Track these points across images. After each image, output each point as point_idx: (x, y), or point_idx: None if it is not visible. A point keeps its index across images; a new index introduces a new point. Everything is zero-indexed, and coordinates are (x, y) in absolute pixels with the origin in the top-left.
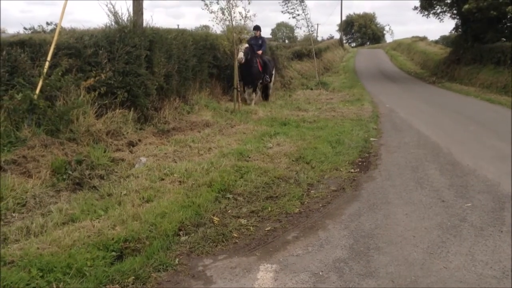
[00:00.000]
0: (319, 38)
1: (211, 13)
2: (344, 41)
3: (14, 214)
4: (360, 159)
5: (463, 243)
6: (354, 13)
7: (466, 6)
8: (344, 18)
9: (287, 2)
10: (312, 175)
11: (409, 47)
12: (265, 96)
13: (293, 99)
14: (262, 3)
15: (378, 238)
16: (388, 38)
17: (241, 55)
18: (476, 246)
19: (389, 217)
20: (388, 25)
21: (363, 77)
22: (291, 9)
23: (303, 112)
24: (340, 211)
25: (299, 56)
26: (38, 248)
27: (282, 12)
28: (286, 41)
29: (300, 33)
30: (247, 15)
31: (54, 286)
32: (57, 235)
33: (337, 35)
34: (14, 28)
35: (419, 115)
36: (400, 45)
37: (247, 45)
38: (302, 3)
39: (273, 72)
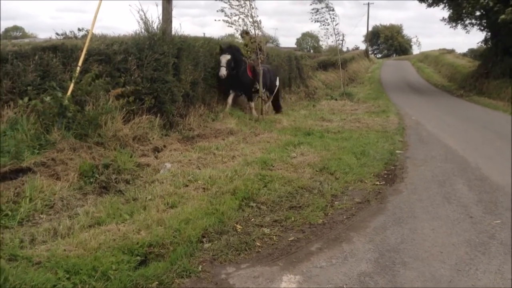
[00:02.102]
0: (345, 49)
1: (228, 26)
2: (370, 52)
3: (42, 216)
4: (385, 172)
5: (492, 261)
6: (380, 24)
7: (503, 16)
8: (370, 29)
9: (317, 10)
10: (336, 186)
11: (437, 59)
12: (276, 107)
13: (317, 109)
14: (287, 13)
15: (404, 253)
16: (415, 50)
17: (223, 71)
18: (505, 264)
19: (416, 231)
20: (416, 36)
21: (389, 89)
22: (321, 18)
23: (327, 123)
24: (364, 224)
25: (324, 66)
26: (64, 250)
27: (310, 20)
28: (311, 51)
29: (328, 42)
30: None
31: None
32: (84, 237)
33: (362, 46)
34: (44, 33)
35: (446, 128)
36: (427, 57)
37: (229, 56)
38: (331, 12)
39: (277, 83)
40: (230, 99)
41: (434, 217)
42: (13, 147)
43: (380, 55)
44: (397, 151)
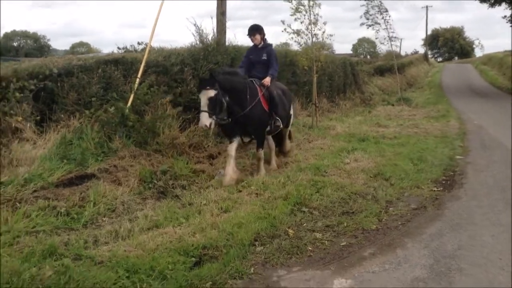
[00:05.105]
0: (403, 53)
1: (289, 34)
2: (430, 56)
3: (104, 219)
4: (444, 178)
5: None
6: (440, 27)
7: None
8: (429, 32)
9: (367, 12)
10: (391, 192)
11: (501, 61)
12: (280, 146)
13: (373, 115)
14: (340, 20)
15: (461, 259)
16: (478, 53)
17: (203, 120)
18: None
19: (474, 238)
20: (478, 39)
21: (450, 93)
22: (371, 21)
23: (383, 128)
24: (420, 230)
25: (381, 71)
26: (125, 250)
27: (361, 24)
28: (368, 56)
29: (382, 47)
30: (324, 31)
31: (138, 286)
32: (142, 239)
33: (422, 50)
34: (107, 48)
35: (510, 132)
36: (491, 60)
37: (212, 93)
38: (383, 14)
39: (291, 111)
40: (232, 150)
41: (494, 224)
42: (79, 155)
43: (440, 59)
44: (457, 157)
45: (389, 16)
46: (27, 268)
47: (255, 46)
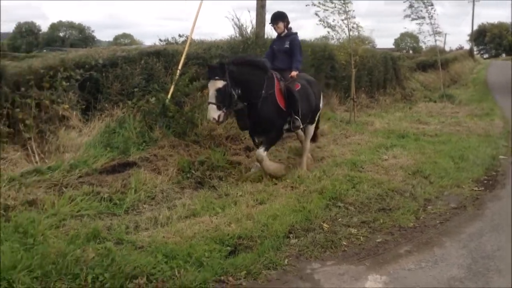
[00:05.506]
0: (447, 48)
1: (324, 28)
2: (476, 52)
3: (145, 206)
4: (485, 177)
5: None
6: (487, 22)
7: None
8: (475, 27)
9: (412, 7)
10: (430, 190)
11: None
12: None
13: (414, 112)
14: (382, 14)
15: (499, 260)
16: None
17: (212, 112)
18: None
19: None
20: None
21: (495, 91)
22: (414, 13)
23: (424, 125)
24: (459, 230)
25: (423, 67)
26: (163, 237)
27: (403, 17)
28: (411, 51)
29: (426, 41)
30: (359, 26)
31: (176, 272)
32: (180, 226)
33: (467, 46)
34: (149, 40)
35: None
36: None
37: (220, 83)
38: (428, 7)
39: (320, 104)
40: (262, 152)
41: None
42: (122, 143)
43: (486, 55)
44: (500, 156)
45: (434, 10)
46: (72, 250)
47: (279, 35)
